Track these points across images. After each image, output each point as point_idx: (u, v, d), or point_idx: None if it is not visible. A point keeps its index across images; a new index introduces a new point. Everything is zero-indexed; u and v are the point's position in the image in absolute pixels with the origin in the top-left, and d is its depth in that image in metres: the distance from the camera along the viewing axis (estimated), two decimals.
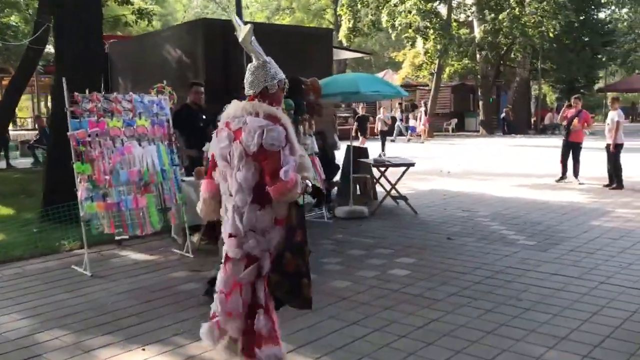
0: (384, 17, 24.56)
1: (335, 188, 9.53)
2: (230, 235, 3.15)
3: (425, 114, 25.37)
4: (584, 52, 31.01)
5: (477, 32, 27.68)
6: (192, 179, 6.51)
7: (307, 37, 9.90)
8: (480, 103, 29.32)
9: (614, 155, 10.78)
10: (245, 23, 3.57)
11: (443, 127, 29.18)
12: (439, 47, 23.89)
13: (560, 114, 11.75)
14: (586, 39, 31.62)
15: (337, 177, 9.51)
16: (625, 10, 39.35)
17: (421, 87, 30.97)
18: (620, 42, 38.90)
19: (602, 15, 37.70)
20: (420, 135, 25.78)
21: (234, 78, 7.80)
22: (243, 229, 3.09)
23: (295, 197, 3.05)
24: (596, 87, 42.25)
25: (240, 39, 3.14)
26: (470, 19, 29.25)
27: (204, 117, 7.19)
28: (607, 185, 10.78)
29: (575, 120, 11.21)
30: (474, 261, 5.98)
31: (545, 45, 26.87)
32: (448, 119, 29.86)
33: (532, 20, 23.11)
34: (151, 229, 6.17)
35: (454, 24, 26.88)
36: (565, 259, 5.98)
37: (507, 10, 24.20)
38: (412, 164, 8.85)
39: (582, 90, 41.85)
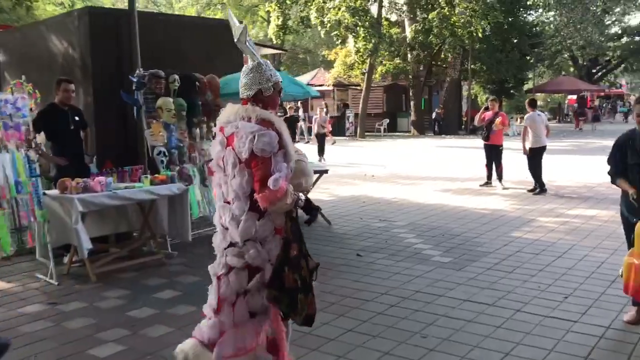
0: (313, 14, 23.82)
1: None
2: (230, 245, 2.98)
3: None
4: (513, 53, 31.39)
5: (408, 32, 27.41)
6: (56, 192, 5.52)
7: (214, 29, 8.97)
8: (412, 103, 29.11)
9: (531, 159, 10.45)
10: (240, 22, 3.33)
11: (375, 127, 28.73)
12: (369, 46, 23.38)
13: (478, 116, 11.30)
14: (515, 41, 32.04)
15: None
16: (552, 13, 40.34)
17: (353, 87, 30.42)
18: (547, 44, 39.84)
19: (530, 18, 38.53)
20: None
21: (127, 74, 6.89)
22: (241, 239, 2.92)
23: (285, 208, 2.88)
24: (525, 87, 43.24)
25: (235, 39, 3.00)
26: (401, 18, 29.01)
27: (76, 118, 6.20)
28: (530, 190, 10.44)
29: (499, 120, 10.80)
30: (381, 285, 5.30)
31: (475, 46, 26.89)
32: (380, 119, 29.47)
33: (461, 20, 22.97)
34: (1, 253, 5.18)
35: (385, 22, 26.49)
36: (481, 280, 5.39)
37: (437, 10, 23.95)
38: (325, 171, 8.13)
39: (512, 91, 43.00)
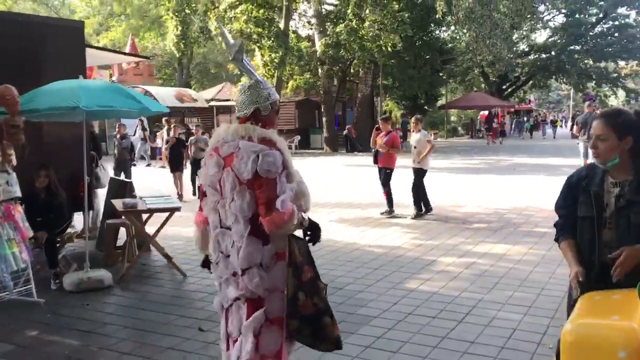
0: (213, 24, 22.10)
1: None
2: (235, 274, 2.76)
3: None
4: (425, 69, 30.96)
5: (318, 46, 26.28)
6: None
7: (50, 29, 7.20)
8: (324, 119, 27.91)
9: (416, 180, 9.65)
10: (235, 38, 3.25)
11: (286, 144, 27.24)
12: (275, 58, 21.90)
13: (372, 138, 10.09)
14: (427, 57, 31.65)
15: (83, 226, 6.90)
16: (464, 31, 40.52)
17: None
18: (459, 60, 40.05)
19: (443, 34, 38.57)
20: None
21: None
22: (242, 266, 2.71)
23: (291, 230, 2.72)
24: (439, 103, 43.32)
25: (231, 57, 2.95)
26: (311, 31, 27.87)
27: None
28: (417, 215, 9.49)
29: (382, 141, 9.61)
30: None
31: (386, 61, 26.07)
32: (292, 136, 28.05)
33: (370, 34, 21.97)
34: None
35: (293, 35, 25.17)
36: None
37: (345, 23, 22.85)
38: (177, 209, 6.45)
39: (425, 107, 42.99)
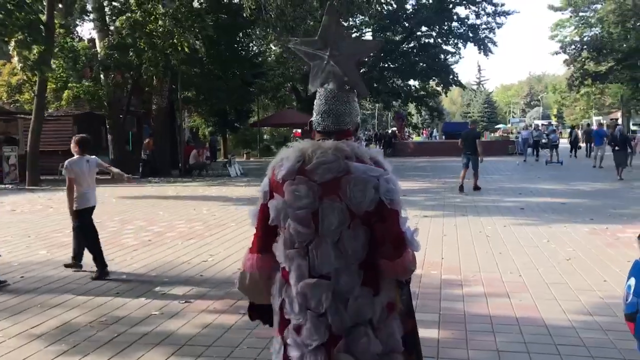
0: None
1: None
2: (332, 336, 2.14)
3: None
4: (234, 81, 27.37)
5: (99, 47, 21.27)
6: None
7: None
8: (109, 137, 22.79)
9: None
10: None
11: (58, 169, 21.41)
12: (30, 55, 16.52)
13: None
14: (235, 67, 28.10)
15: None
16: (273, 46, 38.12)
17: (25, 116, 22.73)
18: (269, 75, 37.46)
19: (254, 48, 35.60)
20: None
21: None
22: (349, 323, 2.14)
23: (409, 275, 2.29)
24: (250, 121, 40.21)
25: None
26: (91, 33, 22.78)
27: None
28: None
29: None
30: None
31: (185, 69, 21.90)
32: (66, 158, 22.35)
33: (160, 29, 17.69)
34: None
35: (61, 30, 19.76)
36: None
37: (126, 15, 18.24)
38: None
39: (236, 124, 39.49)
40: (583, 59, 43.95)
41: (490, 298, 5.52)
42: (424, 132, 73.26)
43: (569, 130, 37.09)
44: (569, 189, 14.95)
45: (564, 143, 32.54)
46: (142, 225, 10.25)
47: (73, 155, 6.89)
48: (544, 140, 31.99)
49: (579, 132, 36.34)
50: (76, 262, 6.86)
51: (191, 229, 9.81)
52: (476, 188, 14.58)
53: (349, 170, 2.14)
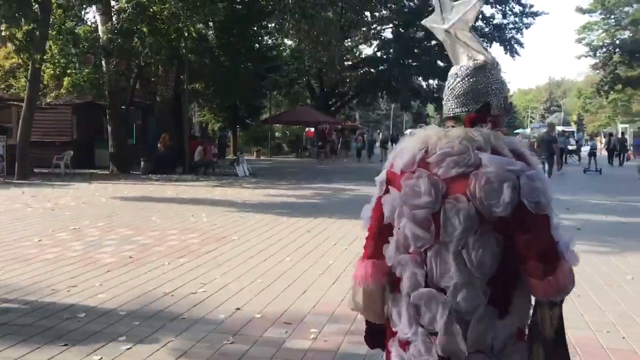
0: None
1: None
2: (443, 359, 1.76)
3: None
4: (246, 74, 25.66)
5: (102, 31, 19.67)
6: None
7: None
8: (110, 129, 21.18)
9: None
10: None
11: (53, 162, 19.80)
12: (18, 34, 14.95)
13: None
14: (250, 65, 26.38)
15: None
16: (288, 41, 36.54)
17: (19, 103, 21.09)
18: (284, 70, 35.84)
19: (269, 40, 33.87)
20: None
21: None
22: (467, 349, 1.71)
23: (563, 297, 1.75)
24: (263, 117, 38.58)
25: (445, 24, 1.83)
26: (95, 17, 21.17)
27: None
28: None
29: None
30: None
31: (192, 58, 20.24)
32: (65, 150, 20.73)
33: (165, 12, 16.05)
34: None
35: (58, 11, 18.13)
36: None
37: None
38: None
39: (247, 120, 37.86)
40: (615, 63, 41.90)
41: None
42: None
43: (607, 136, 35.20)
44: (621, 204, 13.11)
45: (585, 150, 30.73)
46: (126, 235, 8.55)
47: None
48: (570, 147, 30.16)
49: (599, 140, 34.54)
50: None
51: (184, 242, 8.12)
52: None
53: (480, 164, 1.68)
